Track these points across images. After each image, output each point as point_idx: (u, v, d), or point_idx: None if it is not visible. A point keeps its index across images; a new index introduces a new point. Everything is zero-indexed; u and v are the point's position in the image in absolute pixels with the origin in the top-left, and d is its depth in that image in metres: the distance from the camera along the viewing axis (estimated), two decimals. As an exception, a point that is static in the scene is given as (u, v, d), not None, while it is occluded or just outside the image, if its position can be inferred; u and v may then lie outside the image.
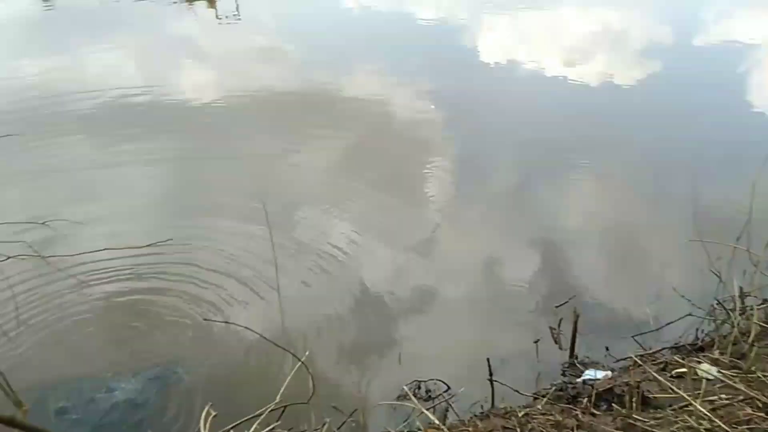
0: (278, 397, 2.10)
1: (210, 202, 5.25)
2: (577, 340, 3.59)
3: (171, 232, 3.98)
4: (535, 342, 3.67)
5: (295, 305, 3.80)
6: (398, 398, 3.27)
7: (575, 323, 3.52)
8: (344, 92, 7.94)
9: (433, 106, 7.56)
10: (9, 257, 2.86)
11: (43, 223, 2.81)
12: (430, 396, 3.37)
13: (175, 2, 13.39)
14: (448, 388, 3.36)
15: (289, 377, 2.19)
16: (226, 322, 2.27)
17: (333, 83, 8.27)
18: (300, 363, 2.11)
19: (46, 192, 5.31)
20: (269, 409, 2.07)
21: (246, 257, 4.33)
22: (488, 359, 3.00)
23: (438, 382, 3.36)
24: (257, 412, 2.06)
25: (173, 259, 4.06)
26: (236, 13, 12.39)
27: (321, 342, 3.54)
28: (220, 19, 12.23)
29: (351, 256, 4.56)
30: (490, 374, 2.97)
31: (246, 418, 2.06)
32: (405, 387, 3.18)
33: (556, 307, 3.90)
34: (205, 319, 2.20)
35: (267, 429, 2.06)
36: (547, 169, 6.04)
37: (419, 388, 3.41)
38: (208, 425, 1.91)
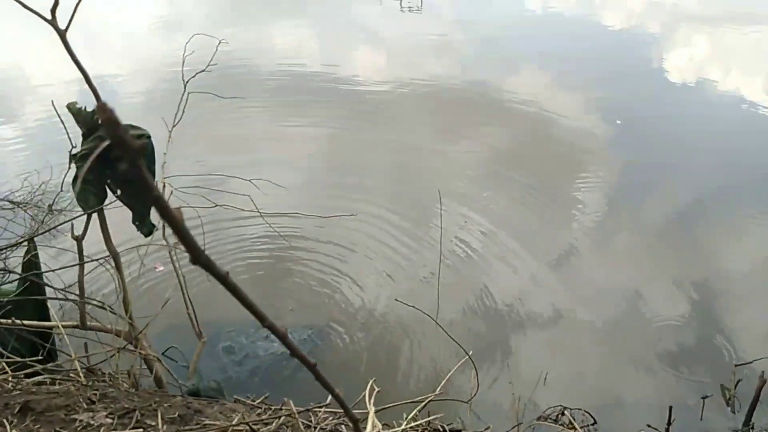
0: (439, 389, 2.10)
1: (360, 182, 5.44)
2: (757, 408, 3.15)
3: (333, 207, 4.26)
4: (703, 398, 3.29)
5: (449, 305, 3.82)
6: (538, 419, 3.15)
7: (760, 389, 3.09)
8: (510, 94, 7.72)
9: (599, 120, 7.07)
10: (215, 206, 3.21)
11: (249, 180, 3.09)
12: (573, 425, 3.19)
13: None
14: (594, 422, 3.16)
15: (453, 369, 2.18)
16: (414, 307, 2.33)
17: (501, 83, 8.08)
18: (467, 357, 2.09)
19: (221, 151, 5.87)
20: (429, 400, 2.08)
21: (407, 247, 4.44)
22: (671, 407, 2.73)
23: (585, 413, 3.16)
24: (419, 398, 2.09)
25: (349, 233, 4.31)
26: (419, 4, 12.67)
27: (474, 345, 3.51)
28: (403, 9, 12.58)
29: (485, 261, 4.45)
30: (669, 423, 2.70)
31: (406, 401, 2.10)
32: (549, 409, 3.04)
33: (736, 366, 3.45)
34: (396, 300, 2.27)
35: (423, 420, 2.07)
36: (724, 208, 5.37)
37: (563, 413, 3.25)
38: (372, 399, 1.97)
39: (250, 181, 3.13)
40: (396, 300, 2.34)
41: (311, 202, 4.72)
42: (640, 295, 4.28)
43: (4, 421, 1.37)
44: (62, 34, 2.20)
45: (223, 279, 0.51)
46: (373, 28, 11.36)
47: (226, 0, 12.79)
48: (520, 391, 3.35)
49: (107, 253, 2.68)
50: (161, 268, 4.01)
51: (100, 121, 2.44)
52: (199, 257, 0.46)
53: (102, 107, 0.36)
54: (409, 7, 12.61)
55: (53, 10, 2.14)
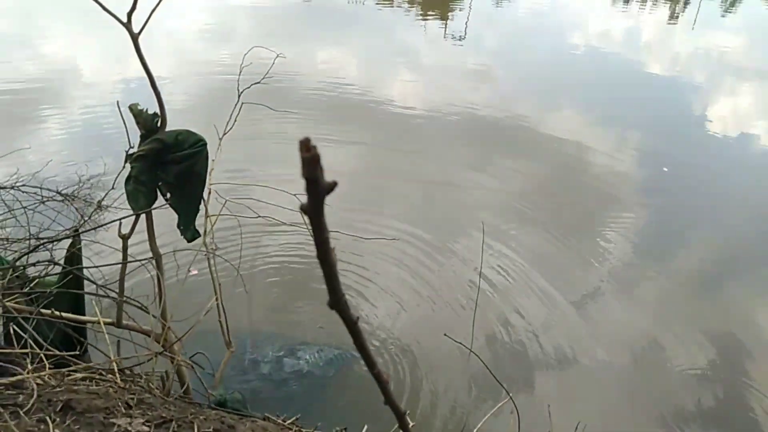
0: (475, 430, 2.03)
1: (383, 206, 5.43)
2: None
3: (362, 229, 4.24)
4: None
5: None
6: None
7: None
8: (544, 129, 7.67)
9: (637, 163, 6.96)
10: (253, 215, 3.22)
11: (295, 195, 3.10)
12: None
13: (408, 15, 14.30)
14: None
15: (493, 410, 2.12)
16: (460, 342, 2.28)
17: (535, 117, 8.05)
18: (508, 398, 2.02)
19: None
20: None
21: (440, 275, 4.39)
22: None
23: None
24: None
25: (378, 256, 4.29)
26: (463, 33, 12.78)
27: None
28: (447, 37, 12.71)
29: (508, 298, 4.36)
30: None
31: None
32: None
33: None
34: (445, 335, 2.22)
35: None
36: (756, 262, 5.21)
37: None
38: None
39: (295, 195, 3.12)
40: (444, 335, 2.27)
41: (339, 221, 4.72)
42: (667, 344, 4.15)
43: (47, 418, 1.36)
44: (135, 38, 2.25)
45: (353, 324, 0.48)
46: (416, 52, 11.47)
47: (276, 18, 13.10)
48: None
49: (149, 254, 2.71)
50: (195, 272, 4.03)
51: (159, 124, 2.48)
52: (338, 302, 0.43)
53: (306, 144, 0.34)
54: (452, 35, 12.73)
55: (129, 14, 2.20)
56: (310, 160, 0.35)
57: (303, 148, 0.34)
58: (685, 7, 19.07)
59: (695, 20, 16.55)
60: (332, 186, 0.37)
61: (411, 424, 1.97)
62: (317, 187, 0.36)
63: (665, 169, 6.80)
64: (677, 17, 17.50)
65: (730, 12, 19.02)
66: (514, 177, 6.28)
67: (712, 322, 4.47)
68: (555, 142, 7.26)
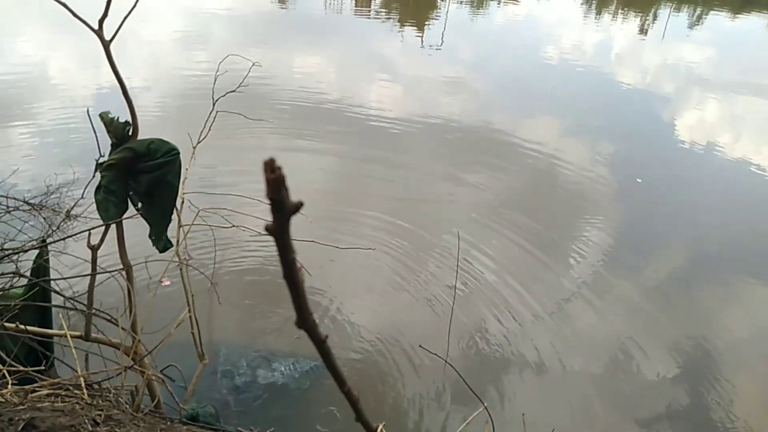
0: (450, 441, 2.03)
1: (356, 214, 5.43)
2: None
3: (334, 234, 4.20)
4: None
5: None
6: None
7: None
8: (518, 138, 7.77)
9: (607, 172, 7.11)
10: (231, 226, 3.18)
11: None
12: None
13: (384, 24, 14.39)
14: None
15: (468, 420, 2.11)
16: (436, 354, 2.27)
17: (510, 127, 8.16)
18: (482, 408, 2.02)
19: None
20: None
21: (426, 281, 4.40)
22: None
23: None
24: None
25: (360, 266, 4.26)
26: (440, 43, 12.92)
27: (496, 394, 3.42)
28: (423, 46, 12.82)
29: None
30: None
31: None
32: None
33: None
34: (420, 346, 2.21)
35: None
36: (726, 270, 5.37)
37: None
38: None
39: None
40: (420, 346, 2.27)
41: (313, 231, 4.70)
42: (638, 350, 4.23)
43: (9, 438, 1.31)
44: (106, 45, 2.21)
45: (321, 343, 0.47)
46: (393, 61, 11.54)
47: (252, 26, 13.05)
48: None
49: (120, 265, 2.65)
50: (167, 283, 3.95)
51: (131, 133, 2.43)
52: (305, 322, 0.43)
53: (270, 165, 0.33)
54: (430, 45, 12.85)
55: (101, 21, 2.16)
56: (275, 180, 0.34)
57: (267, 169, 0.34)
58: (654, 21, 19.63)
59: (664, 33, 17.04)
60: (298, 206, 0.36)
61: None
62: (282, 208, 0.36)
63: (639, 180, 6.94)
64: (647, 30, 17.99)
65: (696, 25, 19.63)
66: (488, 187, 6.33)
67: (683, 327, 4.57)
68: (529, 152, 7.36)
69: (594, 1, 21.85)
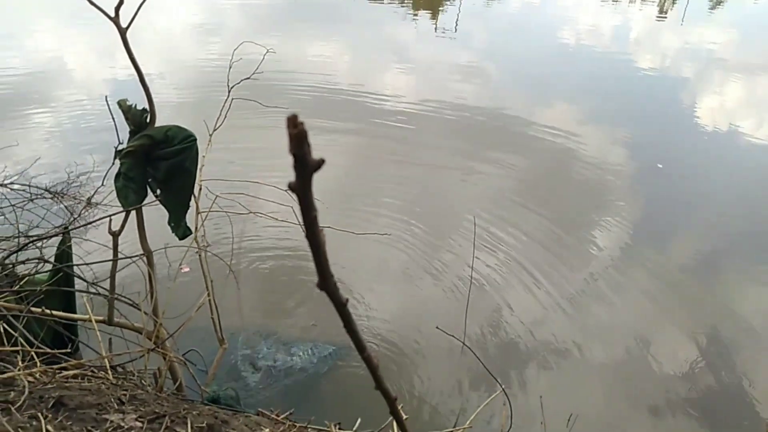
0: (468, 423, 2.04)
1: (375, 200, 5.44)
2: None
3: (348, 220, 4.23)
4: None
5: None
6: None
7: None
8: (534, 123, 7.69)
9: (627, 157, 7.01)
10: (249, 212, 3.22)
11: (286, 190, 3.09)
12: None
13: (398, 10, 14.28)
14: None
15: (486, 402, 2.13)
16: (453, 336, 2.28)
17: (525, 111, 8.08)
18: (500, 391, 2.03)
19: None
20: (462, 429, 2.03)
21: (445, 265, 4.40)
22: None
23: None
24: (447, 431, 2.03)
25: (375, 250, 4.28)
26: (454, 29, 12.79)
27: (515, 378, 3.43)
28: (437, 31, 12.71)
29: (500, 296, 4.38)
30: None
31: (435, 432, 2.04)
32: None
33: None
34: (437, 327, 2.22)
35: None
36: (746, 256, 5.28)
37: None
38: (394, 426, 1.91)
39: (286, 191, 3.11)
40: (437, 328, 2.28)
41: (331, 218, 4.71)
42: (659, 338, 4.19)
43: (39, 414, 1.35)
44: (123, 33, 2.23)
45: (342, 306, 0.48)
46: (407, 47, 11.46)
47: (266, 14, 13.04)
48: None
49: (140, 251, 2.69)
50: (186, 270, 4.01)
51: (148, 120, 2.47)
52: (326, 283, 0.44)
53: (293, 120, 0.34)
54: (444, 30, 12.73)
55: (117, 9, 2.18)
56: (297, 135, 0.35)
57: (290, 125, 0.35)
58: (674, 3, 19.19)
59: (684, 15, 16.66)
60: (320, 163, 0.37)
61: (404, 417, 1.98)
62: (304, 164, 0.36)
63: (659, 166, 6.84)
64: (666, 13, 17.60)
65: (718, 7, 19.16)
66: (506, 172, 6.29)
67: (702, 316, 4.51)
68: (546, 138, 7.28)
69: (612, -16, 21.40)
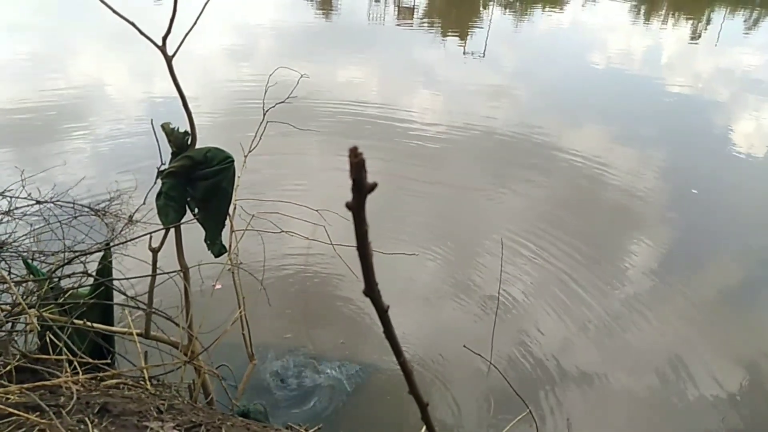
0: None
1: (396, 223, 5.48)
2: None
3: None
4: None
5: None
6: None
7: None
8: (563, 147, 7.67)
9: (658, 183, 6.91)
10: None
11: (317, 210, 3.18)
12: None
13: (427, 33, 14.50)
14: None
15: (512, 423, 2.13)
16: (480, 355, 2.31)
17: (555, 135, 8.06)
18: (527, 411, 2.04)
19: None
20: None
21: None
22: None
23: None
24: (473, 450, 2.04)
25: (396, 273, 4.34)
26: (482, 52, 12.92)
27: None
28: (466, 55, 12.85)
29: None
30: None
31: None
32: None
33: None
34: (464, 346, 2.25)
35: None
36: None
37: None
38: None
39: (317, 211, 3.20)
40: (464, 347, 2.31)
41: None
42: (691, 365, 4.10)
43: (86, 419, 1.43)
44: (169, 60, 2.37)
45: (383, 312, 0.54)
46: (435, 70, 11.61)
47: (298, 37, 13.40)
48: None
49: (177, 267, 2.80)
50: (219, 287, 4.11)
51: (189, 142, 2.59)
52: (371, 290, 0.49)
53: (353, 151, 0.40)
54: (473, 53, 12.86)
55: (164, 38, 2.32)
56: (357, 164, 0.41)
57: (351, 155, 0.41)
58: (707, 25, 18.99)
59: (718, 37, 16.46)
60: (373, 186, 0.43)
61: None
62: (361, 187, 0.42)
63: (695, 191, 6.73)
64: (700, 35, 17.42)
65: (753, 29, 18.88)
66: (534, 195, 6.29)
67: (738, 344, 4.40)
68: (577, 161, 7.26)
69: (643, 6, 21.34)
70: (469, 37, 14.66)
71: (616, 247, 5.46)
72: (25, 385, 1.48)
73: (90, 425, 1.38)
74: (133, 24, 2.28)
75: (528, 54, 13.74)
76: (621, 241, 5.57)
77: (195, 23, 2.36)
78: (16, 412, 1.34)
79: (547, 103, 9.82)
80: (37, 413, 1.39)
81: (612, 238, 5.65)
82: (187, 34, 2.35)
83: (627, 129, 8.74)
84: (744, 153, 8.10)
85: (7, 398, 1.44)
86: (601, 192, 6.56)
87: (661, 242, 5.57)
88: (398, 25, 15.56)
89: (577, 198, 6.40)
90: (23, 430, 1.31)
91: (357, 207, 0.44)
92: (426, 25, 16.01)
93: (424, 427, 2.09)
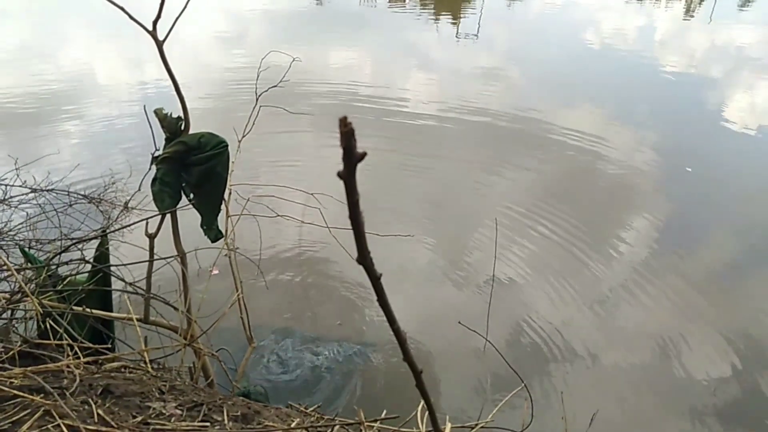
0: (490, 417, 2.10)
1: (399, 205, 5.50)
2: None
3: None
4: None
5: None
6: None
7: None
8: (558, 127, 7.67)
9: (653, 161, 6.93)
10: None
11: (312, 194, 3.19)
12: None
13: (420, 16, 14.37)
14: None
15: (508, 396, 2.18)
16: (476, 332, 2.34)
17: (550, 115, 8.06)
18: (522, 386, 2.08)
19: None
20: (479, 426, 2.08)
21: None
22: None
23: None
24: (468, 424, 2.09)
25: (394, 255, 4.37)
26: (476, 33, 12.84)
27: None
28: (459, 36, 12.77)
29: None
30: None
31: (457, 426, 2.10)
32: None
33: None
34: (459, 322, 2.29)
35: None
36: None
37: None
38: (425, 420, 1.98)
39: (312, 194, 3.22)
40: (459, 323, 2.34)
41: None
42: (685, 340, 4.16)
43: (90, 400, 1.46)
44: (160, 45, 2.36)
45: (376, 280, 0.56)
46: (428, 53, 11.54)
47: (289, 21, 13.28)
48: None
49: (175, 253, 2.82)
50: (216, 272, 4.14)
51: (183, 127, 2.59)
52: (364, 258, 0.51)
53: (343, 120, 0.42)
54: (466, 35, 12.78)
55: (155, 23, 2.31)
56: (346, 133, 0.43)
57: (341, 124, 0.42)
58: (700, 3, 18.89)
59: (711, 14, 16.40)
60: (362, 155, 0.45)
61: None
62: (351, 156, 0.44)
63: (689, 169, 6.76)
64: (693, 12, 17.34)
65: (747, 5, 18.80)
66: (528, 176, 6.31)
67: (731, 320, 4.46)
68: (572, 141, 7.27)
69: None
70: (462, 18, 14.55)
71: (611, 225, 5.50)
72: (29, 368, 1.50)
73: (93, 406, 1.41)
74: (122, 9, 2.27)
75: (522, 34, 13.67)
76: (617, 219, 5.61)
77: (185, 7, 2.34)
78: (21, 394, 1.37)
79: (543, 84, 9.80)
80: (41, 395, 1.42)
81: (607, 216, 5.69)
82: (177, 18, 2.34)
83: (622, 108, 8.74)
84: (738, 130, 8.12)
85: (12, 381, 1.47)
86: (598, 171, 6.59)
87: (657, 220, 5.61)
88: (390, 7, 15.41)
89: (573, 177, 6.43)
90: (28, 411, 1.34)
91: (348, 176, 0.46)
92: (418, 7, 15.86)
93: (422, 403, 2.13)
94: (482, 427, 2.12)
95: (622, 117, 8.40)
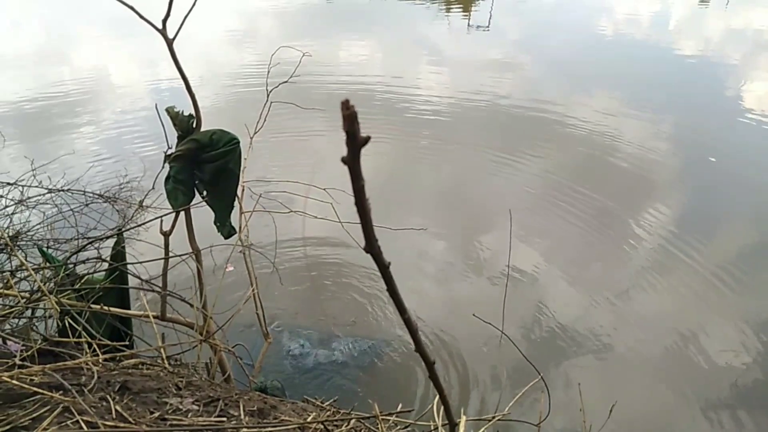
0: (507, 409, 2.08)
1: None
2: None
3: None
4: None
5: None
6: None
7: None
8: (571, 116, 7.57)
9: (669, 149, 6.80)
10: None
11: (324, 189, 3.19)
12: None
13: (431, 7, 14.28)
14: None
15: (524, 389, 2.16)
16: (490, 324, 2.33)
17: (562, 105, 7.95)
18: (539, 378, 2.06)
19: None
20: (496, 419, 2.06)
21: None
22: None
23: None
24: (485, 417, 2.07)
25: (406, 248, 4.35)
26: (487, 24, 12.72)
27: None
28: (470, 27, 12.66)
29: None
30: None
31: (472, 419, 2.09)
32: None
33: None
34: (473, 315, 2.27)
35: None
36: None
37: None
38: (440, 414, 1.97)
39: (324, 189, 3.22)
40: (473, 315, 2.33)
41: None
42: (704, 331, 4.10)
43: (108, 396, 1.47)
44: (170, 43, 2.37)
45: (385, 268, 0.55)
46: (440, 44, 11.46)
47: (299, 17, 13.27)
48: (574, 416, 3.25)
49: (189, 250, 2.83)
50: (230, 269, 4.16)
51: (194, 125, 2.60)
52: (372, 247, 0.50)
53: (345, 104, 0.41)
54: (477, 26, 12.67)
55: (164, 21, 2.32)
56: (349, 116, 0.42)
57: (343, 107, 0.41)
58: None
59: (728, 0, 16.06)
60: (366, 140, 0.44)
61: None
62: (354, 140, 0.43)
63: (712, 159, 6.62)
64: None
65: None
66: (544, 166, 6.24)
67: (751, 311, 4.38)
68: (589, 131, 7.17)
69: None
70: (473, 10, 14.43)
71: (631, 215, 5.41)
72: (48, 366, 1.52)
73: (111, 402, 1.43)
74: (132, 8, 2.28)
75: (534, 25, 13.50)
76: (637, 209, 5.52)
77: (194, 5, 2.35)
78: (40, 391, 1.38)
79: (556, 73, 9.67)
80: (60, 392, 1.43)
81: (628, 206, 5.59)
82: (186, 16, 2.34)
83: (639, 96, 8.58)
84: (759, 118, 7.94)
85: (32, 379, 1.49)
86: (617, 160, 6.49)
87: (677, 211, 5.52)
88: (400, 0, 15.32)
89: (591, 167, 6.34)
90: (48, 407, 1.35)
91: (352, 161, 0.45)
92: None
93: (437, 397, 2.12)
94: (498, 419, 2.11)
95: (640, 105, 8.24)
